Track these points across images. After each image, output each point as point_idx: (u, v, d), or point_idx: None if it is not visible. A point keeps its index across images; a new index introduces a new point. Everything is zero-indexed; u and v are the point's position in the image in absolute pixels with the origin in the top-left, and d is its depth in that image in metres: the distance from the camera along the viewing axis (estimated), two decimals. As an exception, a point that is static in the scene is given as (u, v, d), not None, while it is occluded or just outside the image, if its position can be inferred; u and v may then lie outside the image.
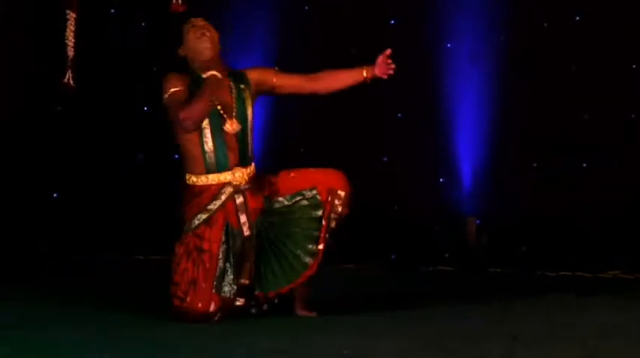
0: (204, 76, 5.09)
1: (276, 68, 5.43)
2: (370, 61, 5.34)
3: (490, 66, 8.51)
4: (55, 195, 9.03)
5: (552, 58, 8.33)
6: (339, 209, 5.12)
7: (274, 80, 5.33)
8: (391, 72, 5.32)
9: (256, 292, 5.06)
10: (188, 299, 4.95)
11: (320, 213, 5.11)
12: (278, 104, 8.69)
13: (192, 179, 5.16)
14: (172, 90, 5.10)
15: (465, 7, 8.54)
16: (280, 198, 5.16)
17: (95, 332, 4.56)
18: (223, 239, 5.05)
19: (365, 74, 5.32)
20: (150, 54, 8.76)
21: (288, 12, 8.95)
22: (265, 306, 5.12)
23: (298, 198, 5.15)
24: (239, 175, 5.14)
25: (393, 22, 8.75)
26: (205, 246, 5.03)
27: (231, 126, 5.13)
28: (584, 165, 8.29)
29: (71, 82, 6.10)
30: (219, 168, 5.12)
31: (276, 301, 5.13)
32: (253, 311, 5.10)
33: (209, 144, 5.10)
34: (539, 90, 8.33)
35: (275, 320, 5.00)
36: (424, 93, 8.65)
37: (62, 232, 8.80)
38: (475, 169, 8.56)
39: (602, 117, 8.19)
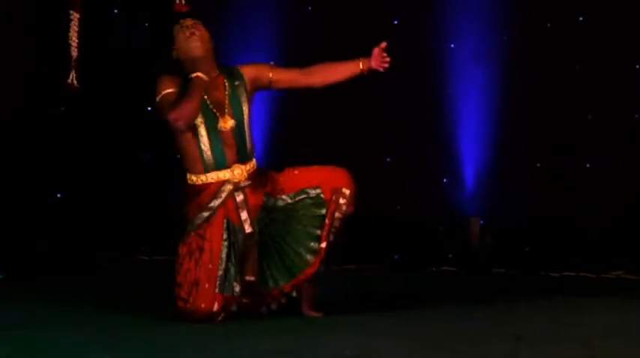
0: (190, 76, 5.09)
1: (272, 63, 5.43)
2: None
3: (493, 66, 8.50)
4: (58, 195, 9.02)
5: (556, 58, 8.32)
6: (344, 208, 5.12)
7: (270, 75, 5.32)
8: (386, 65, 5.30)
9: (263, 290, 5.06)
10: (191, 299, 4.95)
11: (324, 211, 5.12)
12: (281, 103, 8.68)
13: (192, 178, 5.17)
14: (164, 92, 5.11)
15: (468, 8, 8.53)
16: (284, 196, 5.17)
17: (97, 332, 4.57)
18: (225, 237, 5.05)
19: (361, 66, 5.31)
20: (153, 54, 8.75)
21: (292, 12, 8.95)
22: (274, 306, 5.11)
23: (302, 196, 5.15)
24: (238, 172, 5.14)
25: (396, 22, 8.74)
26: (207, 245, 5.03)
27: (224, 124, 5.13)
28: (588, 165, 8.28)
29: (75, 82, 6.10)
30: (218, 166, 5.13)
31: (283, 301, 5.12)
32: (263, 310, 5.10)
33: (205, 142, 5.11)
34: (542, 91, 8.32)
35: (278, 320, 5.00)
36: (427, 93, 8.65)
37: (66, 232, 8.79)
38: (478, 169, 8.55)
39: (605, 117, 8.18)
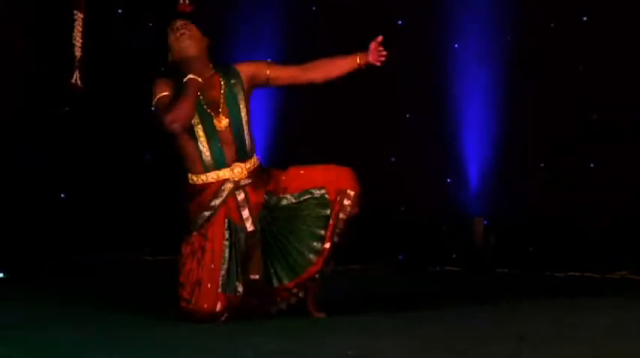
0: (184, 80, 5.09)
1: (269, 60, 5.43)
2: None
3: (497, 66, 8.49)
4: (62, 195, 9.03)
5: (559, 58, 8.32)
6: (349, 209, 5.12)
7: (268, 72, 5.31)
8: (383, 59, 5.29)
9: (268, 288, 5.06)
10: (193, 300, 4.96)
11: (328, 212, 5.11)
12: (285, 103, 8.69)
13: (193, 178, 5.18)
14: (160, 95, 5.13)
15: (472, 8, 8.52)
16: (288, 195, 5.17)
17: (99, 332, 4.57)
18: (226, 236, 5.05)
19: (358, 61, 5.30)
20: (157, 54, 8.75)
21: (296, 12, 8.95)
22: (284, 306, 5.11)
23: (306, 197, 5.15)
24: (238, 171, 5.14)
25: (400, 22, 8.74)
26: (209, 245, 5.03)
27: (218, 123, 5.13)
28: (592, 165, 8.27)
29: (78, 82, 6.10)
30: (217, 165, 5.13)
31: (292, 301, 5.11)
32: (273, 311, 5.09)
33: (203, 142, 5.12)
34: (546, 91, 8.31)
35: (282, 320, 5.00)
36: (431, 93, 8.65)
37: (70, 232, 8.80)
38: (482, 169, 8.55)
39: (609, 117, 8.17)
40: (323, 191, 5.14)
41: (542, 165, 8.42)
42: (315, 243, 5.09)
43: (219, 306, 4.95)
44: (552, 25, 8.37)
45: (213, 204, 5.09)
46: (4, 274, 7.16)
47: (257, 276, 5.04)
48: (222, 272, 4.99)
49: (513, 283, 7.48)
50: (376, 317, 5.13)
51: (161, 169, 8.83)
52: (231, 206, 5.10)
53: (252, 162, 5.21)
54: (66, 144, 8.92)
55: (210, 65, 5.23)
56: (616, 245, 8.04)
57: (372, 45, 5.29)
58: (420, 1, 8.65)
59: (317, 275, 5.11)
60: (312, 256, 5.08)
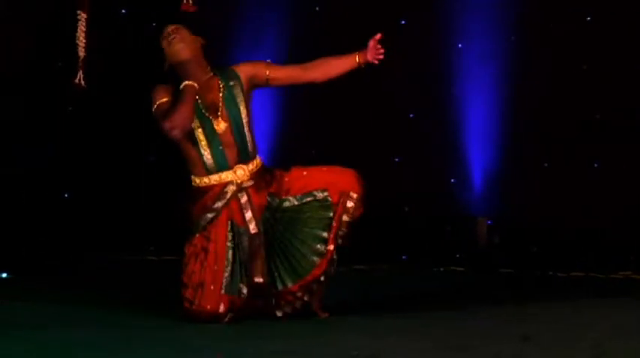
0: (180, 87, 5.07)
1: (269, 60, 5.41)
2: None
3: (501, 66, 8.49)
4: (66, 194, 9.03)
5: (563, 58, 8.31)
6: (352, 211, 5.10)
7: (267, 72, 5.28)
8: (381, 57, 5.26)
9: (273, 291, 5.05)
10: (196, 301, 4.95)
11: (331, 214, 5.10)
12: (288, 102, 8.69)
13: (196, 180, 5.17)
14: (159, 101, 5.11)
15: (475, 8, 8.52)
16: (290, 197, 5.15)
17: (102, 332, 4.57)
18: (230, 238, 5.04)
19: (357, 59, 5.27)
20: (161, 54, 8.74)
21: (299, 13, 8.95)
22: (288, 309, 5.08)
23: (309, 199, 5.13)
24: (241, 173, 5.13)
25: (403, 22, 8.74)
26: (212, 247, 5.02)
27: (217, 126, 5.12)
28: (596, 165, 8.27)
29: (82, 82, 6.10)
30: (219, 167, 5.12)
31: (298, 306, 5.08)
32: (279, 314, 5.08)
33: (204, 146, 5.10)
34: (549, 91, 8.31)
35: (286, 320, 4.99)
36: (435, 93, 8.65)
37: (74, 232, 8.80)
38: (486, 170, 8.54)
39: (613, 117, 8.17)
40: (326, 193, 5.12)
41: (545, 165, 8.42)
42: (318, 246, 5.08)
43: (222, 308, 4.94)
44: (556, 25, 8.36)
45: (216, 206, 5.08)
46: (8, 274, 7.17)
47: (261, 280, 5.02)
48: (226, 274, 4.98)
49: (517, 283, 7.48)
50: (380, 318, 5.13)
51: (165, 168, 8.82)
52: (234, 208, 5.09)
53: (255, 163, 5.19)
54: (69, 143, 8.92)
55: (208, 67, 5.20)
56: (620, 245, 8.04)
57: (371, 43, 5.27)
58: (424, 0, 8.64)
59: (322, 278, 5.10)
60: (315, 258, 5.06)
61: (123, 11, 9.18)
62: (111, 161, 9.06)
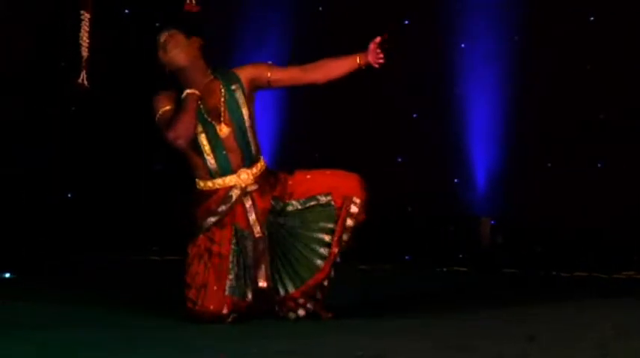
0: (182, 95, 5.04)
1: (270, 62, 5.39)
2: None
3: (504, 66, 8.49)
4: (69, 195, 9.04)
5: (566, 58, 8.31)
6: (355, 215, 5.09)
7: (269, 74, 5.23)
8: (381, 61, 5.25)
9: (275, 297, 5.04)
10: (199, 301, 4.94)
11: (334, 218, 5.08)
12: (292, 104, 8.69)
13: (200, 184, 5.15)
14: (161, 110, 5.08)
15: (478, 8, 8.53)
16: (294, 201, 5.13)
17: (105, 333, 4.56)
18: (233, 242, 5.03)
19: (358, 61, 5.23)
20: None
21: (302, 13, 8.95)
22: (293, 315, 5.07)
23: (313, 203, 5.11)
24: (244, 177, 5.11)
25: (407, 22, 8.74)
26: (215, 248, 5.01)
27: (220, 131, 5.10)
28: (599, 165, 8.26)
29: (85, 82, 6.10)
30: (223, 172, 5.10)
31: (301, 313, 5.06)
32: (292, 316, 5.07)
33: (208, 151, 5.07)
34: (553, 91, 8.31)
35: (289, 321, 4.99)
36: (438, 93, 8.65)
37: (77, 232, 8.81)
38: (489, 170, 8.55)
39: (617, 116, 8.17)
40: (329, 197, 5.10)
41: (549, 165, 8.42)
42: (321, 249, 5.06)
43: (225, 309, 4.92)
44: (559, 25, 8.36)
45: (220, 209, 5.07)
46: (11, 274, 7.17)
47: (265, 284, 5.00)
48: (230, 276, 4.97)
49: (520, 283, 7.47)
50: (384, 318, 5.13)
51: (169, 169, 8.84)
52: (239, 212, 5.08)
53: (259, 166, 5.17)
54: (72, 143, 8.93)
55: (208, 70, 5.16)
56: (623, 245, 8.04)
57: (371, 45, 5.24)
58: (427, 0, 8.64)
59: (325, 283, 5.09)
60: (319, 262, 5.05)
61: (126, 11, 9.19)
62: (114, 161, 9.07)
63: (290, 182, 5.17)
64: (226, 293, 4.95)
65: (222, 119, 5.09)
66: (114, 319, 5.06)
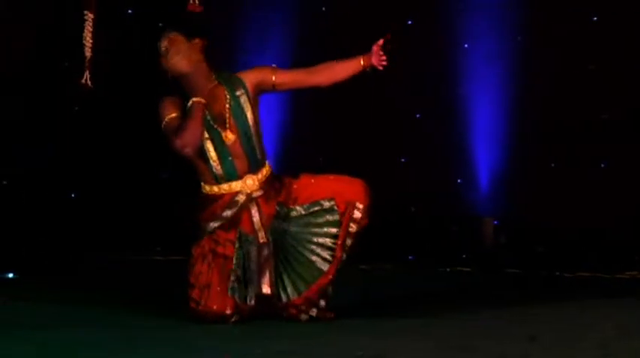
0: (188, 104, 5.01)
1: (274, 65, 5.38)
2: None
3: (507, 66, 8.49)
4: (72, 194, 9.05)
5: (569, 58, 8.31)
6: (358, 221, 5.08)
7: (273, 78, 5.20)
8: (384, 63, 5.24)
9: (277, 304, 5.03)
10: (203, 301, 4.93)
11: (338, 223, 5.07)
12: (295, 105, 8.70)
13: (206, 188, 5.14)
14: (168, 117, 5.04)
15: (481, 8, 8.53)
16: (297, 207, 5.11)
17: (109, 332, 4.57)
18: (237, 245, 5.03)
19: (362, 62, 5.22)
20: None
21: (305, 13, 8.95)
22: (304, 316, 5.06)
23: (316, 208, 5.10)
24: (250, 182, 5.10)
25: (410, 22, 8.74)
26: (220, 249, 5.01)
27: (226, 137, 5.09)
28: (603, 165, 8.26)
29: (89, 82, 6.11)
30: (229, 177, 5.09)
31: (304, 318, 5.06)
32: (303, 317, 5.04)
33: (213, 156, 5.06)
34: (556, 91, 8.31)
35: (291, 321, 4.99)
36: (441, 93, 8.65)
37: (81, 232, 8.82)
38: (492, 170, 8.55)
39: (620, 116, 8.16)
40: (332, 202, 5.09)
41: (552, 165, 8.42)
42: (325, 254, 5.05)
43: (228, 309, 4.92)
44: (562, 25, 8.36)
45: (225, 214, 5.06)
46: (14, 274, 7.18)
47: (269, 291, 5.00)
48: (232, 278, 4.97)
49: (523, 283, 7.47)
50: (386, 318, 5.13)
51: (172, 169, 8.85)
52: (244, 217, 5.07)
53: (264, 172, 5.15)
54: (76, 143, 8.93)
55: (213, 75, 5.13)
56: (626, 245, 8.03)
57: (374, 48, 5.23)
58: (430, 1, 8.65)
59: (329, 289, 5.08)
60: (323, 267, 5.03)
61: (129, 11, 9.19)
62: (117, 161, 9.07)
63: (294, 186, 5.15)
64: (229, 293, 4.95)
65: (227, 125, 5.08)
66: (114, 319, 5.07)
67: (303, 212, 5.11)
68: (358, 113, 8.56)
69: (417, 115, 8.77)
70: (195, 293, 4.96)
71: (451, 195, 8.65)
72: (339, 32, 8.56)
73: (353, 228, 5.08)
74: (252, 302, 4.98)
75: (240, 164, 5.09)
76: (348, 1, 8.75)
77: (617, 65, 8.13)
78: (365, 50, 5.26)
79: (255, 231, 5.05)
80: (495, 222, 8.46)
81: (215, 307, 4.91)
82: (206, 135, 5.04)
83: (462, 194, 8.66)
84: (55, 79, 8.48)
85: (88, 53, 6.13)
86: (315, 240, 5.07)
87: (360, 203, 5.09)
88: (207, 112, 5.04)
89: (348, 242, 5.08)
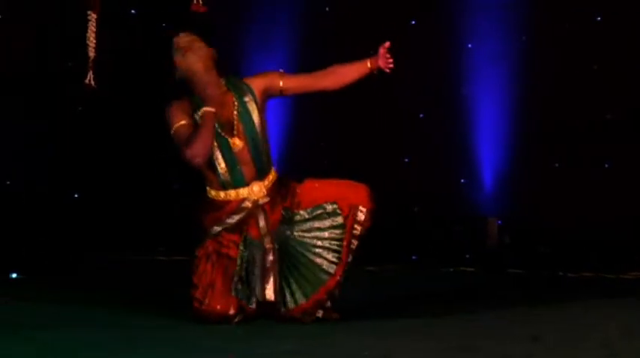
0: (199, 113, 5.00)
1: (281, 70, 5.37)
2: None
3: (511, 66, 8.49)
4: (75, 195, 9.05)
5: (573, 58, 8.31)
6: (362, 223, 5.09)
7: (281, 84, 5.21)
8: (391, 65, 5.24)
9: (282, 310, 5.02)
10: (206, 301, 4.94)
11: (341, 226, 5.07)
12: (299, 106, 8.69)
13: (212, 193, 5.14)
14: (177, 125, 5.02)
15: (485, 8, 8.52)
16: (301, 211, 5.11)
17: (112, 333, 4.57)
18: (242, 248, 5.03)
19: (369, 65, 5.24)
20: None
21: (309, 13, 8.95)
22: (310, 318, 5.06)
23: (319, 212, 5.10)
24: (257, 189, 5.10)
25: (413, 22, 8.74)
26: (224, 250, 5.01)
27: (233, 144, 5.09)
28: (606, 165, 8.26)
29: (92, 82, 6.10)
30: (236, 183, 5.08)
31: (307, 320, 5.04)
32: (307, 319, 5.02)
33: (220, 163, 5.06)
34: (560, 91, 8.30)
35: (296, 322, 5.00)
36: (445, 93, 8.65)
37: (84, 232, 8.82)
38: (496, 170, 8.54)
39: (623, 117, 8.16)
40: (335, 205, 5.09)
41: (555, 165, 8.42)
42: (331, 257, 5.05)
43: (232, 310, 4.92)
44: (566, 25, 8.36)
45: (229, 220, 5.07)
46: (18, 275, 7.19)
47: (273, 297, 5.00)
48: (235, 279, 4.97)
49: (527, 283, 7.46)
50: (390, 318, 5.13)
51: (176, 169, 8.84)
52: (250, 223, 5.07)
53: (270, 178, 5.15)
54: (79, 143, 8.93)
55: (222, 82, 5.12)
56: (630, 245, 8.03)
57: (381, 50, 5.24)
58: (434, 1, 8.64)
59: (336, 291, 5.08)
60: (329, 269, 5.04)
61: (133, 11, 9.19)
62: (121, 161, 9.08)
63: (299, 191, 5.15)
64: (232, 293, 4.95)
65: (235, 132, 5.08)
66: (115, 319, 5.07)
67: (306, 216, 5.11)
68: (362, 113, 8.56)
69: (421, 115, 8.76)
70: (198, 293, 4.97)
71: (455, 195, 8.65)
72: (343, 32, 8.56)
73: (357, 229, 5.08)
74: (254, 305, 4.98)
75: (248, 170, 5.09)
76: (352, 2, 8.75)
77: (621, 65, 8.13)
78: (368, 50, 5.26)
79: (261, 237, 5.05)
80: (499, 222, 8.45)
81: (218, 307, 4.91)
82: (214, 143, 5.03)
83: (466, 194, 8.65)
84: (58, 79, 8.48)
85: (91, 53, 6.13)
86: (320, 243, 5.07)
87: (364, 206, 5.09)
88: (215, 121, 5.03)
89: (354, 244, 5.08)
